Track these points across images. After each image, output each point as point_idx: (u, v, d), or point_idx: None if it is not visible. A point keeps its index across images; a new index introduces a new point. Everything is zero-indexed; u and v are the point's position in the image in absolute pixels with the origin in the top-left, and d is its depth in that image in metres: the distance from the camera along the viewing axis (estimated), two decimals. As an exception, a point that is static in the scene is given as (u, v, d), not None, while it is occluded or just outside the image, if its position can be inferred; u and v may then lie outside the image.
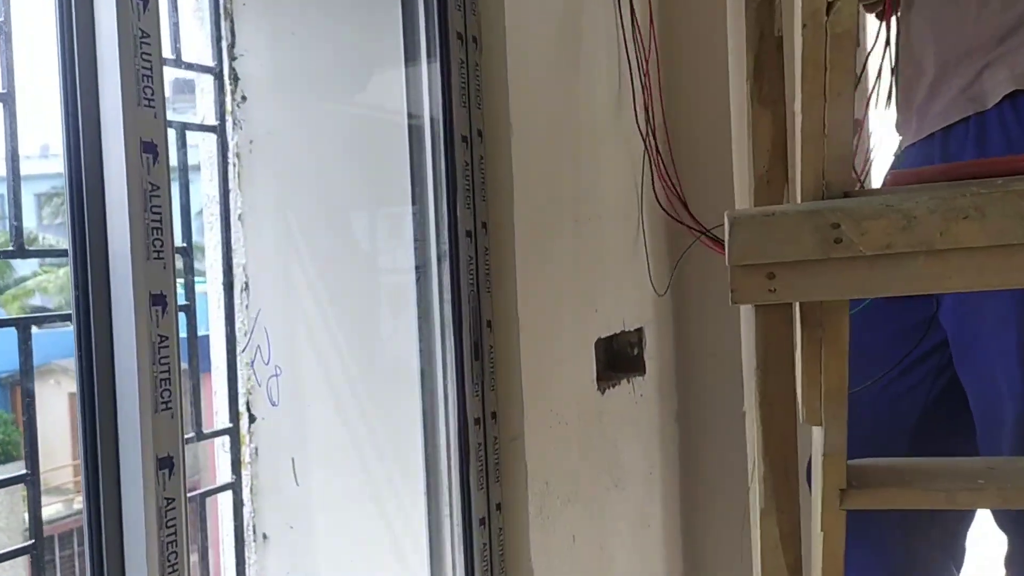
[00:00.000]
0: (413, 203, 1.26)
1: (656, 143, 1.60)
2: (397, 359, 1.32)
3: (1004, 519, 1.16)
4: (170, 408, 0.75)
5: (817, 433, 0.99)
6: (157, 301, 0.74)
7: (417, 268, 1.26)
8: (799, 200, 0.87)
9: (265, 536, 1.43)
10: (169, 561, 0.72)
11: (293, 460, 1.42)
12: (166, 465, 0.74)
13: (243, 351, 1.28)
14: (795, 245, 0.82)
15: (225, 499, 1.41)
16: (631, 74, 1.54)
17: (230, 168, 1.42)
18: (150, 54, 0.74)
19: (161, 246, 0.75)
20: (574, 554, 1.38)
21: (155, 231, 0.74)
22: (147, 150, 0.74)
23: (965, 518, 1.29)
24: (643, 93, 1.59)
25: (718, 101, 1.73)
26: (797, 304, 0.91)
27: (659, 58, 1.65)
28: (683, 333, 1.89)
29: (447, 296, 1.22)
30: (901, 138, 1.27)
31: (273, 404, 1.27)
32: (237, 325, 1.41)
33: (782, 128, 0.90)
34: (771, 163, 0.90)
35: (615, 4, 1.52)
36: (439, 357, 1.24)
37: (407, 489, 1.31)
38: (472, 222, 1.22)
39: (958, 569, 1.32)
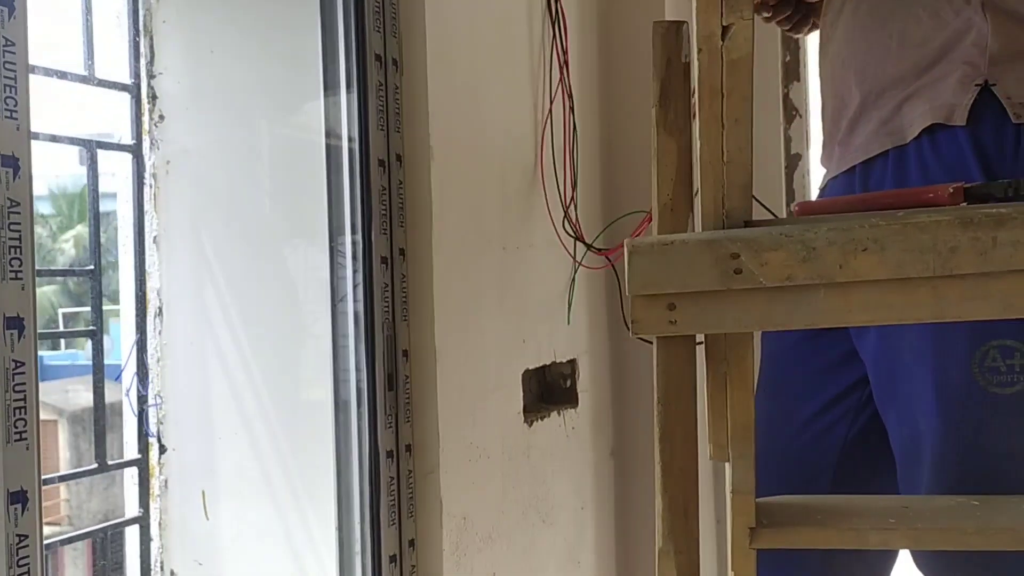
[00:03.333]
0: (330, 228, 1.23)
1: (565, 191, 1.58)
2: (311, 389, 1.28)
3: (921, 561, 1.14)
4: (25, 439, 0.70)
5: (727, 470, 0.96)
6: (12, 324, 0.69)
7: (332, 295, 1.22)
8: (700, 229, 0.85)
9: (173, 573, 1.37)
10: (14, 604, 0.67)
11: (204, 493, 1.37)
12: (19, 499, 0.69)
13: (115, 380, 1.23)
14: (695, 275, 0.80)
15: (133, 533, 1.35)
16: (551, 98, 1.52)
17: (146, 189, 1.38)
18: (14, 63, 0.71)
19: (20, 266, 0.70)
20: (494, 593, 1.34)
21: (13, 250, 0.70)
22: (6, 164, 0.70)
23: (889, 556, 1.27)
24: (564, 115, 1.58)
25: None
26: (705, 336, 0.89)
27: (570, 86, 1.63)
28: (621, 364, 1.86)
29: (362, 324, 1.18)
30: (825, 171, 1.26)
31: (158, 437, 1.21)
32: (150, 351, 1.37)
33: (687, 156, 0.88)
34: (675, 191, 0.88)
35: (544, 24, 1.50)
36: (353, 388, 1.19)
37: (319, 524, 1.26)
38: (389, 248, 1.19)
39: None
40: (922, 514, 0.98)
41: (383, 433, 1.17)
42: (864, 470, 1.24)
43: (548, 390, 1.66)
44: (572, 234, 1.57)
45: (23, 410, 0.70)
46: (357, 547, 1.20)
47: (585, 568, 1.69)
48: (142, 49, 1.37)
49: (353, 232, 1.20)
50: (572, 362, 1.67)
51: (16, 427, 0.70)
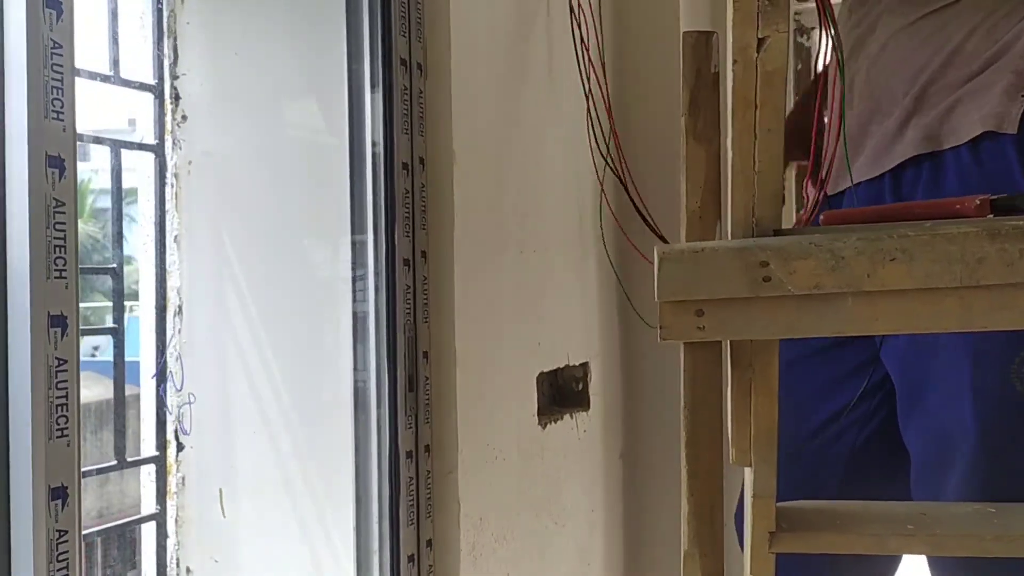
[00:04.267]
0: (352, 230, 1.24)
1: (618, 171, 1.59)
2: (331, 389, 1.29)
3: (937, 568, 1.15)
4: (66, 436, 0.71)
5: (748, 475, 0.98)
6: (56, 322, 0.70)
7: (354, 296, 1.23)
8: (730, 237, 0.86)
9: (189, 570, 1.38)
10: (57, 598, 0.68)
11: (221, 491, 1.38)
12: (59, 495, 0.70)
13: (152, 377, 1.24)
14: (724, 282, 0.81)
15: (148, 530, 1.36)
16: (588, 102, 1.53)
17: (168, 189, 1.39)
18: (61, 65, 0.72)
19: (64, 264, 0.71)
20: (508, 593, 1.35)
21: (58, 248, 0.71)
22: (53, 164, 0.71)
23: (892, 565, 1.28)
24: (598, 120, 1.58)
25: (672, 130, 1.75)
26: (727, 343, 0.90)
27: (608, 85, 1.65)
28: (631, 368, 1.87)
29: (383, 326, 1.19)
30: (836, 178, 1.26)
31: (185, 432, 1.22)
32: (170, 350, 1.38)
33: (716, 164, 0.89)
34: (704, 199, 0.89)
35: (572, 28, 1.51)
36: (373, 388, 1.21)
37: (337, 523, 1.27)
38: (411, 250, 1.20)
39: None
40: (940, 520, 0.99)
41: (403, 433, 1.18)
42: (870, 476, 1.26)
43: (560, 393, 1.67)
44: (652, 227, 1.57)
45: (65, 407, 0.71)
46: (375, 546, 1.21)
47: (595, 570, 1.70)
48: (166, 50, 1.38)
49: (376, 234, 1.21)
50: (584, 365, 1.69)
51: (58, 424, 0.71)
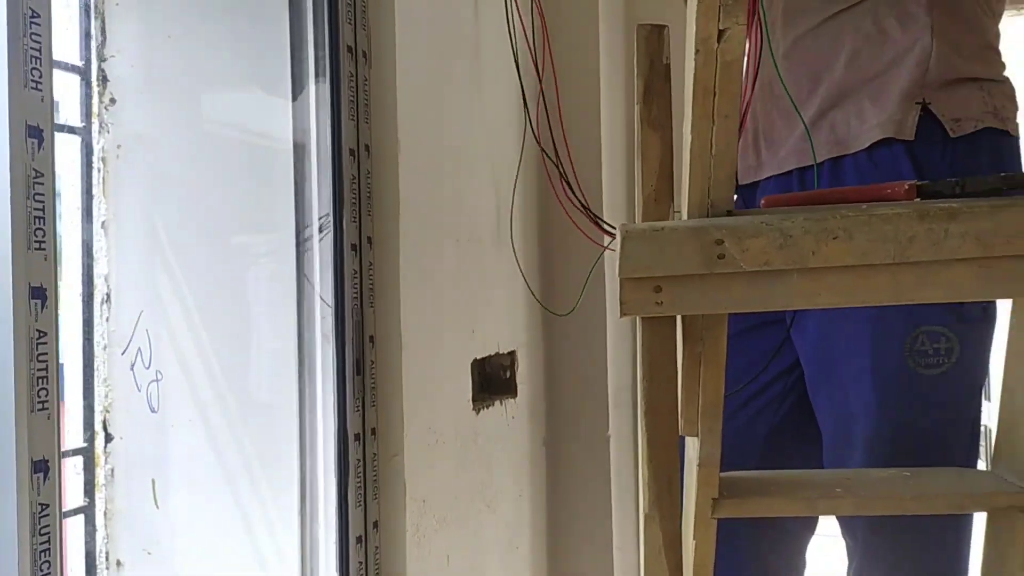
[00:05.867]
0: (296, 216, 1.24)
1: (559, 161, 1.64)
2: (273, 375, 1.29)
3: (852, 530, 1.24)
4: (47, 408, 0.70)
5: (692, 444, 1.04)
6: (37, 294, 0.69)
7: (299, 282, 1.23)
8: (685, 217, 0.91)
9: (119, 563, 1.34)
10: (42, 571, 0.67)
11: (153, 482, 1.35)
12: (41, 469, 0.69)
13: (122, 354, 1.21)
14: (682, 260, 0.86)
15: (76, 524, 1.32)
16: (523, 92, 1.57)
17: (95, 173, 1.35)
18: (40, 35, 0.71)
19: (43, 236, 0.70)
20: (448, 574, 1.37)
21: (38, 220, 0.70)
22: (32, 135, 0.70)
23: (807, 533, 1.38)
24: (538, 110, 1.63)
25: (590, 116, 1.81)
26: (680, 318, 0.95)
27: (556, 76, 1.69)
28: (553, 358, 1.92)
29: (329, 310, 1.20)
30: (749, 170, 1.34)
31: (153, 411, 1.20)
32: (96, 339, 1.34)
33: (669, 150, 0.95)
34: (659, 183, 0.94)
35: (507, 20, 1.55)
36: (319, 372, 1.21)
37: (279, 508, 1.27)
38: (358, 236, 1.21)
39: None
40: (864, 484, 1.08)
41: (351, 416, 1.19)
42: (786, 451, 1.35)
43: (488, 380, 1.71)
44: (590, 216, 1.61)
45: (45, 380, 0.70)
46: (321, 530, 1.22)
47: (523, 553, 1.74)
48: (93, 31, 1.34)
49: (321, 219, 1.21)
50: (512, 353, 1.73)
51: (39, 396, 0.70)
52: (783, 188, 1.27)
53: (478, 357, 1.57)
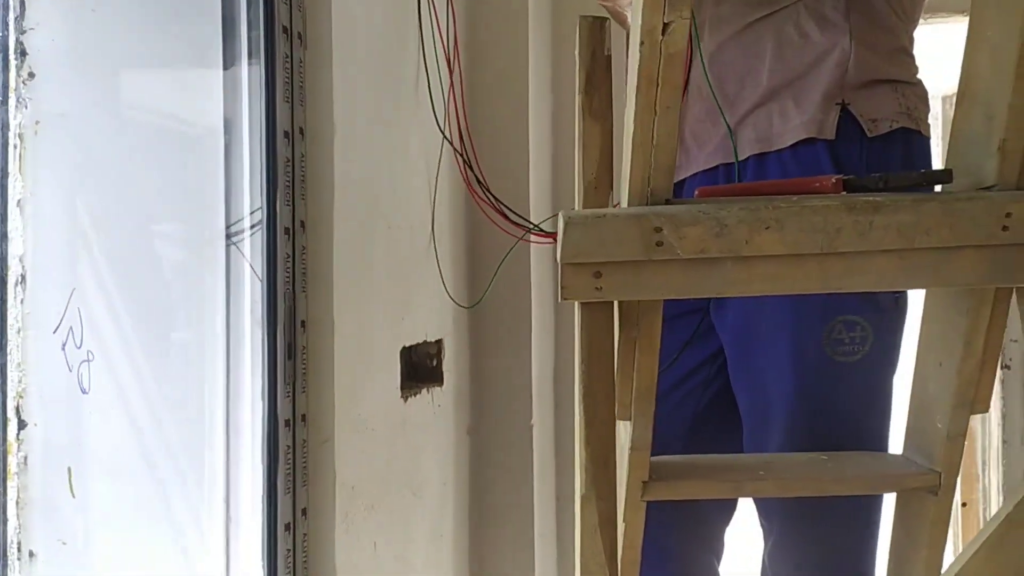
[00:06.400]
0: (226, 198, 1.22)
1: (464, 149, 1.65)
2: (199, 361, 1.26)
3: (768, 512, 1.29)
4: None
5: (625, 428, 1.06)
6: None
7: (227, 264, 1.21)
8: (624, 205, 0.93)
9: (32, 553, 1.29)
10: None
11: (70, 470, 1.30)
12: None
13: (66, 337, 1.17)
14: (621, 246, 0.89)
15: (-15, 514, 1.27)
16: (427, 77, 1.58)
17: (11, 149, 1.30)
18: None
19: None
20: (376, 562, 1.37)
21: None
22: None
23: (726, 516, 1.43)
24: (448, 98, 1.64)
25: (519, 107, 1.83)
26: (616, 303, 0.98)
27: (460, 64, 1.70)
28: (480, 347, 1.93)
29: (260, 294, 1.18)
30: (679, 167, 1.38)
31: (84, 392, 1.16)
32: (10, 322, 1.29)
33: (609, 139, 0.97)
34: (599, 171, 0.96)
35: (416, 10, 1.55)
36: (248, 357, 1.19)
37: (203, 496, 1.24)
38: (291, 220, 1.19)
39: (718, 560, 1.45)
40: (786, 467, 1.12)
41: (282, 402, 1.18)
42: (710, 436, 1.39)
43: (415, 368, 1.71)
44: (498, 208, 1.62)
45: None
46: (247, 517, 1.20)
47: (446, 542, 1.75)
48: (10, 2, 1.29)
49: (253, 204, 1.19)
50: (439, 342, 1.73)
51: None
52: (709, 183, 1.31)
53: (407, 345, 1.57)
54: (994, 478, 2.47)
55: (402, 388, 1.52)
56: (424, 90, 1.59)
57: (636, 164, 0.90)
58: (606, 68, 0.98)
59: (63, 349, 1.10)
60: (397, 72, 1.53)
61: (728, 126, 1.23)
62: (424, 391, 1.64)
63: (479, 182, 1.64)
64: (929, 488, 1.06)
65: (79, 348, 1.14)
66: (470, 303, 1.84)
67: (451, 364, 1.78)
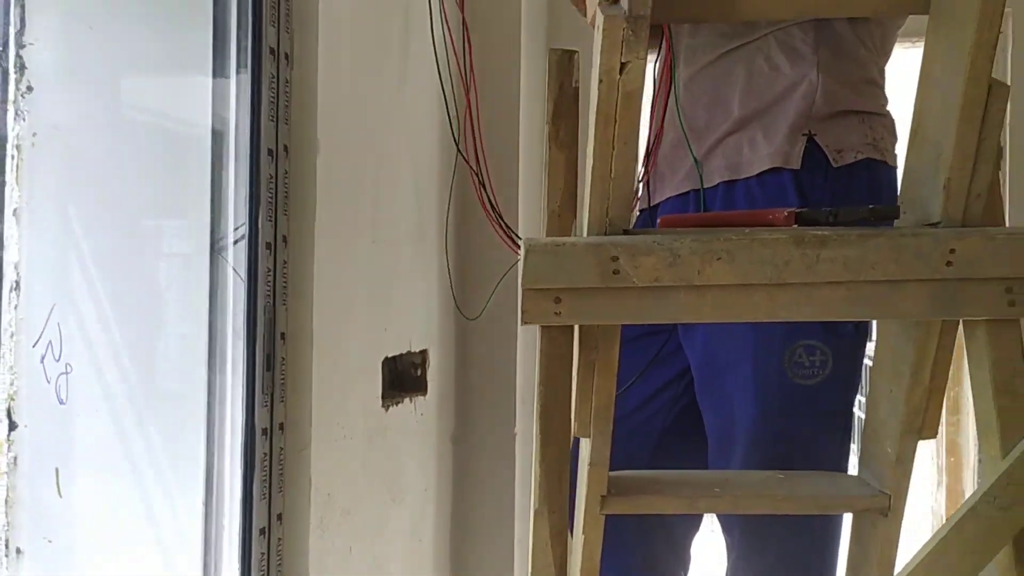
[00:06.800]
0: (212, 212, 1.26)
1: (477, 167, 1.69)
2: (183, 368, 1.30)
3: (729, 527, 1.33)
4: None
5: (585, 445, 1.10)
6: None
7: (211, 276, 1.25)
8: (585, 234, 0.97)
9: (19, 550, 1.34)
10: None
11: (57, 471, 1.35)
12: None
13: (45, 350, 1.22)
14: (580, 273, 0.93)
15: (-26, 511, 1.32)
16: (445, 100, 1.62)
17: (8, 160, 1.34)
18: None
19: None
20: (350, 565, 1.41)
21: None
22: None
23: (692, 529, 1.47)
24: (464, 118, 1.68)
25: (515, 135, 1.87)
26: (576, 327, 1.02)
27: (476, 86, 1.75)
28: (465, 357, 1.98)
29: (242, 306, 1.23)
30: (654, 192, 1.42)
31: (61, 402, 1.21)
32: (3, 325, 1.33)
33: (574, 169, 1.01)
34: (563, 200, 1.00)
35: (430, 26, 1.60)
36: (229, 367, 1.24)
37: (183, 499, 1.29)
38: (273, 235, 1.24)
39: (685, 572, 1.49)
40: (741, 484, 1.16)
41: (259, 411, 1.22)
42: (677, 456, 1.43)
43: (400, 377, 1.75)
44: (504, 228, 1.67)
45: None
46: (226, 521, 1.24)
47: (426, 546, 1.79)
48: (12, 18, 1.34)
49: (237, 217, 1.24)
50: (423, 352, 1.77)
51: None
52: (681, 208, 1.35)
53: (390, 355, 1.61)
54: (942, 496, 2.50)
55: (384, 397, 1.57)
56: (429, 111, 1.64)
57: (595, 195, 0.94)
58: (573, 100, 1.02)
59: (42, 362, 1.14)
60: (389, 91, 1.58)
61: (694, 155, 1.27)
62: (407, 400, 1.68)
63: (491, 204, 1.68)
64: (879, 510, 1.10)
65: (58, 361, 1.18)
66: (467, 315, 1.88)
67: (436, 374, 1.82)
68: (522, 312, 0.95)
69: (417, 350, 1.74)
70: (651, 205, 1.39)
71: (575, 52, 1.02)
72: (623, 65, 0.86)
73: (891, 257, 0.92)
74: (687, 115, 1.31)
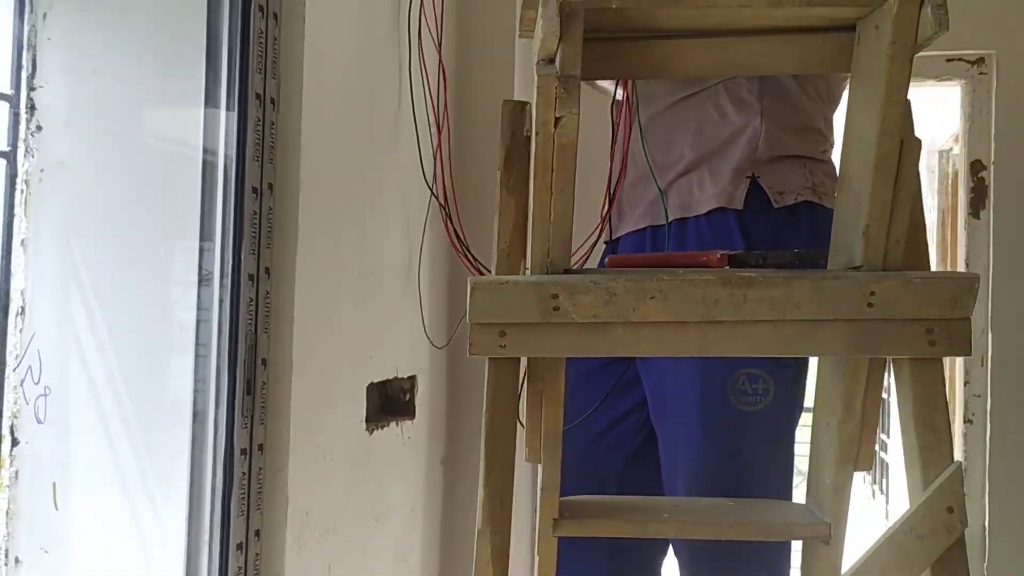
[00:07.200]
0: (200, 246, 1.35)
1: (445, 202, 1.78)
2: (171, 392, 1.38)
3: (679, 551, 1.39)
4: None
5: (538, 470, 1.17)
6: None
7: (198, 306, 1.34)
8: (529, 273, 1.05)
9: (18, 560, 1.43)
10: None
11: (55, 485, 1.44)
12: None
13: (14, 370, 1.30)
14: (522, 310, 1.00)
15: (-24, 522, 1.41)
16: (417, 137, 1.71)
17: (17, 194, 1.45)
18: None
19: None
20: (329, 582, 1.48)
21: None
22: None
23: (659, 555, 1.52)
24: (435, 157, 1.77)
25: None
26: (524, 360, 1.08)
27: (450, 127, 1.84)
28: (456, 383, 2.05)
29: (225, 334, 1.31)
30: (616, 227, 1.50)
31: (39, 422, 1.30)
32: (9, 348, 1.43)
33: (523, 212, 1.08)
34: (512, 240, 1.08)
35: (408, 74, 1.69)
36: (212, 391, 1.32)
37: (169, 516, 1.37)
38: (256, 267, 1.32)
39: None
40: (689, 511, 1.22)
41: (239, 433, 1.30)
42: (641, 478, 1.49)
43: (389, 402, 1.82)
44: (471, 261, 1.75)
45: (-61, 392, 0.80)
46: (206, 536, 1.32)
47: (412, 565, 1.85)
48: (24, 62, 1.45)
49: (223, 250, 1.32)
50: (412, 378, 1.84)
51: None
52: (639, 241, 1.44)
53: (375, 380, 1.68)
54: None
55: (369, 421, 1.64)
56: (412, 148, 1.73)
57: (536, 238, 1.01)
58: (524, 147, 1.09)
59: (21, 386, 1.23)
60: (376, 131, 1.66)
61: (659, 189, 1.35)
62: (393, 424, 1.75)
63: (459, 238, 1.76)
64: (820, 537, 1.15)
65: (36, 384, 1.27)
66: (445, 343, 1.96)
67: (425, 398, 1.89)
68: (470, 344, 1.02)
69: (406, 376, 1.81)
70: (613, 238, 1.47)
71: (527, 103, 1.10)
72: (557, 119, 0.94)
73: (813, 298, 0.98)
74: (644, 155, 1.39)
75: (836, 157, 1.42)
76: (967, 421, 2.34)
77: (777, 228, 1.29)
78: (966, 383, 2.35)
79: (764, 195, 1.30)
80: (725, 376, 1.29)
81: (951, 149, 3.24)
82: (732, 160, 1.31)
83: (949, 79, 2.35)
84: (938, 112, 3.01)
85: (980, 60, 2.33)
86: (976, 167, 2.34)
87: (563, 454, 1.11)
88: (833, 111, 1.40)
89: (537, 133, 0.96)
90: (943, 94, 2.79)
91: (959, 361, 2.41)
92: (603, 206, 1.44)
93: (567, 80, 0.91)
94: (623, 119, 1.38)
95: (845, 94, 1.44)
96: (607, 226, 1.47)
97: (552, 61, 0.92)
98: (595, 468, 1.46)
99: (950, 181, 3.24)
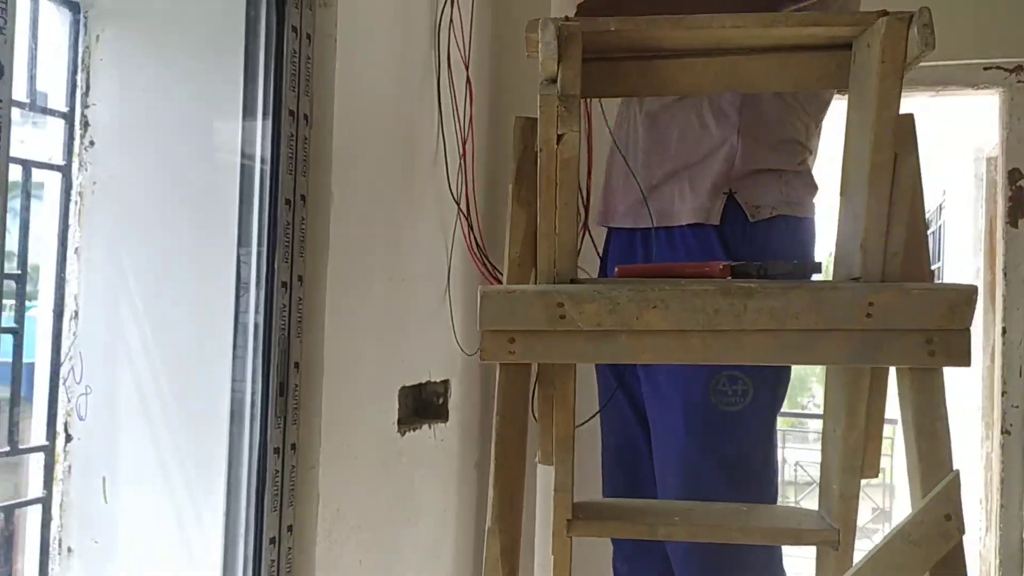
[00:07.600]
0: (238, 256, 1.42)
1: (468, 214, 1.83)
2: (211, 393, 1.46)
3: (674, 554, 1.42)
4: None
5: (550, 472, 1.21)
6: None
7: (237, 311, 1.41)
8: (537, 282, 1.09)
9: (70, 549, 1.52)
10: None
11: (104, 479, 1.53)
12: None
13: (67, 373, 1.40)
14: (530, 318, 1.04)
15: (34, 512, 1.50)
16: (445, 151, 1.77)
17: (72, 205, 1.54)
18: None
19: (-5, 275, 0.89)
20: (360, 575, 1.54)
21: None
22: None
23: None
24: (460, 168, 1.83)
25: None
26: (535, 366, 1.13)
27: (474, 138, 1.89)
28: (489, 389, 2.10)
29: (260, 338, 1.38)
30: (607, 210, 1.56)
31: (81, 419, 1.39)
32: (63, 350, 1.53)
33: (533, 223, 1.13)
34: (522, 250, 1.12)
35: (437, 91, 1.76)
36: (248, 393, 1.39)
37: (208, 511, 1.44)
38: (289, 274, 1.39)
39: None
40: (700, 514, 1.25)
41: (272, 432, 1.37)
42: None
43: (423, 405, 1.88)
44: (489, 272, 1.81)
45: (-12, 391, 0.88)
46: (241, 530, 1.39)
47: (445, 562, 1.91)
48: (78, 81, 1.54)
49: (258, 258, 1.40)
50: (445, 382, 1.90)
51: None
52: (628, 241, 1.49)
53: (408, 384, 1.74)
54: (991, 541, 2.47)
55: (400, 423, 1.70)
56: (442, 161, 1.79)
57: (543, 249, 1.05)
58: (534, 162, 1.14)
59: (63, 384, 1.31)
60: (408, 144, 1.73)
61: (643, 195, 1.40)
62: (425, 426, 1.81)
63: (479, 247, 1.82)
64: (828, 543, 1.17)
65: (79, 383, 1.35)
66: (474, 351, 2.01)
67: (458, 402, 1.95)
68: (481, 350, 1.07)
69: (439, 380, 1.87)
70: (607, 224, 1.54)
71: (536, 119, 1.14)
72: (559, 137, 0.98)
73: (812, 308, 1.00)
74: (631, 160, 1.44)
75: (825, 161, 1.46)
76: (1004, 432, 2.31)
77: (755, 241, 1.35)
78: (1003, 393, 2.32)
79: (741, 210, 1.35)
80: (706, 378, 1.35)
81: (998, 156, 3.19)
82: (710, 175, 1.36)
83: (987, 87, 2.33)
84: (986, 115, 2.97)
85: (1018, 68, 2.31)
86: (1014, 176, 2.31)
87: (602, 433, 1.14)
88: (820, 116, 1.42)
89: (541, 150, 1.00)
90: (993, 101, 2.76)
91: (997, 372, 2.38)
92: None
93: (568, 99, 0.96)
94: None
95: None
96: (604, 208, 1.54)
97: (554, 81, 0.97)
98: (631, 474, 1.51)
99: (997, 189, 3.19)
